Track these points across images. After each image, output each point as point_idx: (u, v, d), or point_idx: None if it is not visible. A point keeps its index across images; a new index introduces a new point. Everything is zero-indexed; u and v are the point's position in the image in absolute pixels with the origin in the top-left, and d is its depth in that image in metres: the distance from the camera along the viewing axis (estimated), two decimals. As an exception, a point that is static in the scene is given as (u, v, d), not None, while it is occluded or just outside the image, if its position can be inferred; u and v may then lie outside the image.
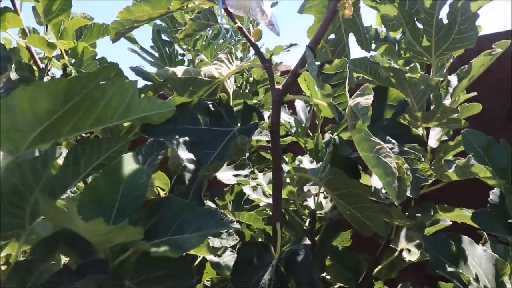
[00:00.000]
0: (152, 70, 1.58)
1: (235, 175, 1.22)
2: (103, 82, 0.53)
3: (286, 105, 1.62)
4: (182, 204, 0.63)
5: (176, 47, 1.77)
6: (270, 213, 1.39)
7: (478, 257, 0.79)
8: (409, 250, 1.26)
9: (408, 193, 0.71)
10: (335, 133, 1.48)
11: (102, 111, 0.53)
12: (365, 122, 0.68)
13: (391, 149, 0.70)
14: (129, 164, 0.63)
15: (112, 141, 0.61)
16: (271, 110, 0.90)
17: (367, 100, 0.69)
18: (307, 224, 1.19)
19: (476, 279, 0.75)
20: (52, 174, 0.56)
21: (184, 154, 0.77)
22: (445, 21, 1.02)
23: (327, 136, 1.53)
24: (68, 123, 0.51)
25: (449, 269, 0.75)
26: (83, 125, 0.53)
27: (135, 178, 0.62)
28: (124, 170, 0.62)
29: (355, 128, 0.70)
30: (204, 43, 1.84)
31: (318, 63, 0.83)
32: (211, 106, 0.84)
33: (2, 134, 0.49)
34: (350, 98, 0.74)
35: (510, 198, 0.73)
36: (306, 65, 0.86)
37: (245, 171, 1.24)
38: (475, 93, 1.25)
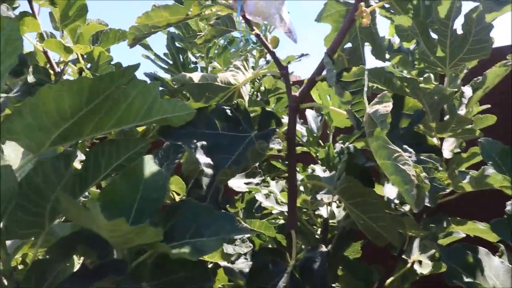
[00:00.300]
0: (166, 76, 1.59)
1: (246, 183, 1.21)
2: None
3: (298, 115, 1.62)
4: (200, 207, 0.63)
5: (189, 54, 1.78)
6: (281, 222, 1.38)
7: (495, 268, 0.78)
8: (420, 262, 1.25)
9: (426, 203, 0.71)
10: (347, 143, 1.47)
11: (124, 112, 0.53)
12: (383, 130, 0.68)
13: (408, 157, 0.70)
14: (148, 166, 0.63)
15: (131, 143, 0.61)
16: (284, 118, 0.90)
17: (385, 107, 0.69)
18: (319, 232, 1.18)
19: (494, 291, 0.74)
20: (72, 174, 0.56)
21: (202, 158, 0.77)
22: (459, 31, 1.02)
23: (338, 146, 1.53)
24: (91, 123, 0.51)
25: (466, 279, 0.75)
26: (105, 125, 0.53)
27: (155, 180, 0.62)
28: (143, 172, 0.62)
29: (373, 135, 0.70)
30: (216, 51, 1.85)
31: (335, 71, 0.83)
32: (228, 111, 0.85)
33: (25, 132, 0.49)
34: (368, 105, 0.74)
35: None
36: (323, 73, 0.86)
37: (257, 179, 1.24)
38: (489, 106, 1.25)
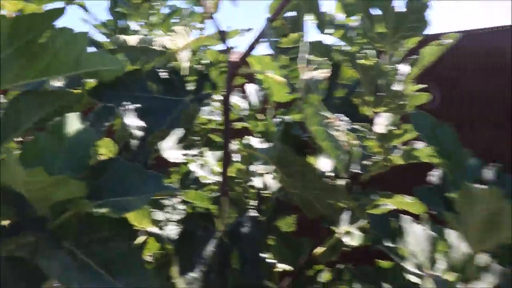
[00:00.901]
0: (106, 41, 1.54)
1: (184, 155, 1.20)
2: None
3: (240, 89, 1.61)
4: (129, 167, 0.61)
5: (132, 22, 1.72)
6: (216, 194, 1.37)
7: (417, 235, 0.82)
8: (350, 234, 1.27)
9: (357, 170, 0.72)
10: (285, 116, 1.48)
11: (52, 59, 0.50)
12: (318, 96, 0.68)
13: (344, 125, 0.71)
14: (74, 122, 0.60)
15: (56, 95, 0.58)
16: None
17: (322, 74, 0.69)
18: (252, 203, 1.18)
19: (413, 255, 0.78)
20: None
21: (132, 121, 0.75)
22: (404, 9, 1.04)
23: (277, 120, 1.53)
24: (13, 68, 0.48)
25: (389, 244, 0.78)
26: (31, 72, 0.50)
27: (81, 138, 0.59)
28: (69, 129, 0.59)
29: (307, 102, 0.70)
30: (161, 20, 1.80)
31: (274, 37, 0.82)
32: (164, 74, 0.82)
33: None
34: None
35: (451, 175, 0.76)
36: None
37: (194, 151, 1.23)
38: (425, 85, 1.29)
